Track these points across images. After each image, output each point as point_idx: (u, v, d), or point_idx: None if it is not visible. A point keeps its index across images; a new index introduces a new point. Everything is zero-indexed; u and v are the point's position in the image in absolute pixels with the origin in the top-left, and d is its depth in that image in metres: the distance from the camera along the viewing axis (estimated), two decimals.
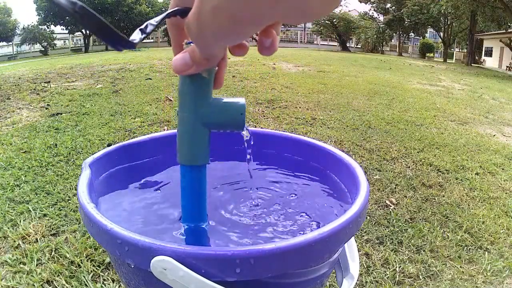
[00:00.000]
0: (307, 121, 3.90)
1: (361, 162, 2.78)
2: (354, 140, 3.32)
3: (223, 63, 0.49)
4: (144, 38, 0.39)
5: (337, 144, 3.18)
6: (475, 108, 5.78)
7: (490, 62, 27.87)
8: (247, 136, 0.57)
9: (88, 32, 30.16)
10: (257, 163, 0.80)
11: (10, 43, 31.02)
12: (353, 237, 0.57)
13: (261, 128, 3.35)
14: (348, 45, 30.41)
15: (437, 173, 2.76)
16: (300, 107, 4.54)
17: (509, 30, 22.20)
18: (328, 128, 3.68)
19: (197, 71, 0.43)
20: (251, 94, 5.13)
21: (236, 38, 0.34)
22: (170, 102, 4.56)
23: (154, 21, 0.40)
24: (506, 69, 23.55)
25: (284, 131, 0.84)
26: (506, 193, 2.52)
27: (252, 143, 0.59)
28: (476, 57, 29.71)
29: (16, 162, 2.51)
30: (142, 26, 0.40)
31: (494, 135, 4.18)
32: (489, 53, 29.10)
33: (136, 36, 0.38)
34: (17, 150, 2.77)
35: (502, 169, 2.99)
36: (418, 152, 3.18)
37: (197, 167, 0.53)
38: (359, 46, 34.58)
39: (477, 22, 25.03)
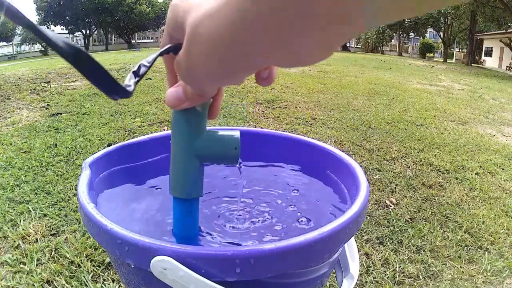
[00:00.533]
0: (307, 121, 3.90)
1: (361, 162, 2.78)
2: (354, 140, 3.32)
3: (218, 95, 0.48)
4: (138, 82, 0.38)
5: (337, 144, 3.18)
6: (475, 108, 5.78)
7: (490, 62, 27.88)
8: (239, 167, 0.56)
9: (88, 32, 30.39)
10: (257, 163, 0.80)
11: (10, 43, 31.04)
12: (353, 237, 0.57)
13: (261, 128, 3.35)
14: (348, 45, 30.38)
15: (437, 173, 2.76)
16: (300, 107, 4.54)
17: (509, 30, 22.22)
18: (328, 128, 3.68)
19: (190, 106, 0.42)
20: (251, 94, 5.13)
21: (228, 81, 0.33)
22: None
23: (146, 61, 0.39)
24: (506, 69, 23.55)
25: (284, 131, 0.84)
26: (506, 193, 2.52)
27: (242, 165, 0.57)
28: (476, 57, 29.73)
29: (16, 162, 2.51)
30: (135, 68, 0.38)
31: (494, 135, 4.18)
32: (489, 53, 29.11)
33: (130, 81, 0.37)
34: (17, 150, 2.77)
35: (502, 169, 2.99)
36: (418, 152, 3.18)
37: (190, 200, 0.52)
38: (359, 46, 34.58)
39: (477, 22, 25.05)
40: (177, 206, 0.53)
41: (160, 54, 0.39)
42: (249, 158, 0.80)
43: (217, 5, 0.27)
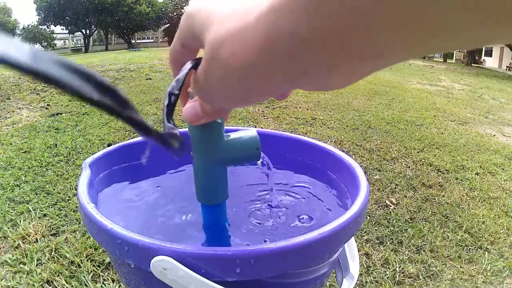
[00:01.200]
0: (307, 121, 3.90)
1: (361, 162, 2.78)
2: (354, 140, 3.32)
3: None
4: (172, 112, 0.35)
5: (337, 144, 3.18)
6: (475, 108, 5.78)
7: (490, 62, 27.90)
8: (261, 165, 0.57)
9: (88, 32, 30.34)
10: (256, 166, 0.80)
11: None
12: (353, 237, 0.57)
13: (261, 128, 3.35)
14: None
15: (437, 173, 2.76)
16: (300, 107, 4.54)
17: None
18: (328, 128, 3.68)
19: (208, 121, 0.40)
20: None
21: (248, 104, 0.30)
22: None
23: (175, 89, 0.35)
24: (506, 69, 23.57)
25: (284, 131, 0.83)
26: (506, 193, 2.52)
27: (266, 162, 0.59)
28: (476, 57, 29.72)
29: (16, 162, 2.51)
30: (166, 102, 0.35)
31: (494, 135, 4.18)
32: (489, 53, 29.13)
33: (172, 126, 0.35)
34: (17, 150, 2.77)
35: (502, 169, 2.99)
36: (418, 152, 3.18)
37: (218, 204, 0.53)
38: None
39: None
40: (206, 213, 0.54)
41: (186, 75, 0.36)
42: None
43: (243, 23, 0.24)
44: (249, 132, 0.52)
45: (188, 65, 0.34)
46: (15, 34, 30.40)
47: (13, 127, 3.50)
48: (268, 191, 0.64)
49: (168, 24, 33.13)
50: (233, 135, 0.51)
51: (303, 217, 0.62)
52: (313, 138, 0.77)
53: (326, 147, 0.73)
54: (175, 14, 32.50)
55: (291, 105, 4.62)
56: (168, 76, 6.65)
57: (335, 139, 3.30)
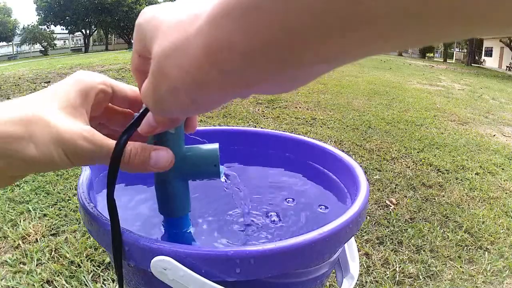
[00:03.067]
0: (307, 121, 3.90)
1: (361, 162, 2.78)
2: (354, 140, 3.32)
3: None
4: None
5: (337, 144, 3.18)
6: (475, 108, 5.78)
7: (490, 62, 27.91)
8: (225, 181, 0.53)
9: (88, 32, 30.32)
10: (256, 163, 0.80)
11: (10, 43, 31.03)
12: (353, 237, 0.57)
13: (261, 127, 3.35)
14: None
15: (437, 173, 2.76)
16: (300, 107, 4.54)
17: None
18: (328, 128, 3.68)
19: (163, 130, 0.39)
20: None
21: (198, 113, 0.31)
22: None
23: (127, 132, 0.38)
24: (506, 69, 23.58)
25: (284, 131, 0.83)
26: (506, 193, 2.52)
27: (239, 181, 0.55)
28: (476, 57, 29.75)
29: None
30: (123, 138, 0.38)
31: (494, 135, 4.18)
32: (489, 53, 29.15)
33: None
34: None
35: (502, 169, 2.99)
36: (418, 152, 3.18)
37: (179, 218, 0.52)
38: None
39: None
40: (167, 225, 0.54)
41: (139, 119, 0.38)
42: (248, 158, 0.80)
43: (186, 35, 0.24)
44: (209, 147, 0.49)
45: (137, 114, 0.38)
46: (15, 34, 30.34)
47: None
48: (241, 211, 0.61)
49: None
50: (193, 149, 0.48)
51: (302, 218, 0.62)
52: (313, 138, 0.77)
53: (326, 147, 0.73)
54: None
55: (291, 105, 4.62)
56: None
57: (335, 139, 3.30)
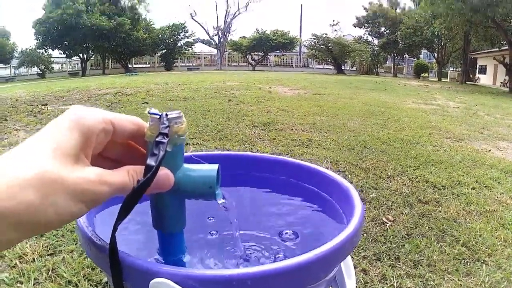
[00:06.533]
0: (303, 143, 3.92)
1: (357, 181, 2.79)
2: (350, 160, 3.34)
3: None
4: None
5: (333, 164, 3.20)
6: (470, 125, 5.82)
7: (485, 79, 28.12)
8: (223, 203, 0.52)
9: (85, 56, 30.43)
10: (254, 187, 0.81)
11: (8, 65, 31.19)
12: (349, 255, 0.58)
13: (257, 150, 3.37)
14: (343, 68, 30.62)
15: (433, 189, 2.78)
16: (296, 129, 4.57)
17: (503, 48, 22.44)
18: (324, 149, 3.71)
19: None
20: (247, 117, 5.17)
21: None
22: None
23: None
24: (500, 85, 23.74)
25: (279, 154, 0.84)
26: (502, 206, 2.53)
27: (234, 204, 0.55)
28: (471, 75, 29.95)
29: None
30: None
31: (490, 150, 4.20)
32: (483, 70, 29.37)
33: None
34: None
35: (498, 182, 3.01)
36: (414, 169, 3.19)
37: (173, 233, 0.53)
38: (354, 69, 34.85)
39: (470, 41, 25.31)
40: (161, 239, 0.53)
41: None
42: (245, 182, 0.80)
43: None
44: (208, 167, 0.49)
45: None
46: (13, 57, 30.46)
47: (9, 148, 3.51)
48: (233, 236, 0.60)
49: (165, 50, 33.63)
50: (192, 169, 0.49)
51: (298, 239, 0.63)
52: (309, 159, 0.78)
53: (320, 169, 0.73)
54: (171, 40, 33.02)
55: (287, 127, 4.65)
56: (164, 100, 6.75)
57: (331, 159, 3.32)
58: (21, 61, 29.97)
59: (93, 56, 33.54)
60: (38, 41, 29.23)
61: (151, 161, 0.41)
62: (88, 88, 9.24)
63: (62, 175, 0.34)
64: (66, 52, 30.47)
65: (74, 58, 32.72)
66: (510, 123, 6.37)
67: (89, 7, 28.25)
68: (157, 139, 0.42)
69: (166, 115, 0.45)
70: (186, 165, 0.48)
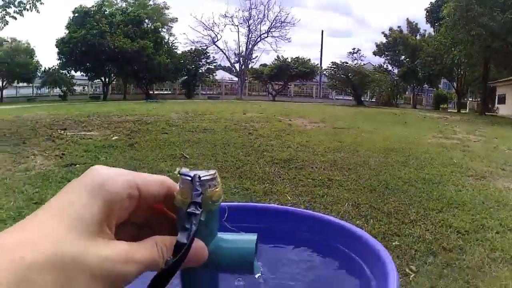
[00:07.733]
0: (323, 183, 3.93)
1: (379, 227, 2.79)
2: (372, 202, 3.34)
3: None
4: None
5: (354, 207, 3.20)
6: (492, 161, 5.76)
7: (504, 109, 27.74)
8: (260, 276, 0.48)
9: (107, 80, 30.30)
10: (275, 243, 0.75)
11: (31, 84, 31.54)
12: None
13: (277, 191, 3.39)
14: (362, 98, 30.52)
15: (457, 234, 2.76)
16: (316, 167, 4.59)
17: None
18: (345, 189, 3.71)
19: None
20: (267, 152, 5.22)
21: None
22: (185, 159, 4.66)
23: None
24: None
25: (304, 209, 0.81)
26: None
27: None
28: (490, 105, 29.66)
29: (25, 213, 2.57)
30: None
31: None
32: (502, 100, 29.01)
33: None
34: (28, 200, 2.84)
35: None
36: (437, 212, 3.18)
37: None
38: (374, 100, 34.77)
39: (489, 69, 25.20)
40: None
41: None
42: (266, 237, 0.76)
43: None
44: (246, 238, 0.44)
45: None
46: (36, 77, 30.74)
47: (26, 174, 3.59)
48: None
49: (186, 76, 33.76)
50: (227, 240, 0.43)
51: None
52: (336, 216, 0.74)
53: (355, 230, 0.66)
54: (193, 66, 33.23)
55: (307, 165, 4.67)
56: (184, 131, 6.84)
57: (352, 202, 3.33)
58: (43, 81, 30.29)
59: (115, 80, 33.80)
60: (61, 61, 29.44)
61: (182, 238, 0.35)
62: (108, 114, 9.36)
63: (83, 254, 0.31)
64: (88, 74, 30.75)
65: (96, 81, 33.08)
66: None
67: (112, 28, 28.67)
68: (188, 210, 0.37)
69: (199, 177, 0.38)
70: (220, 235, 0.43)
